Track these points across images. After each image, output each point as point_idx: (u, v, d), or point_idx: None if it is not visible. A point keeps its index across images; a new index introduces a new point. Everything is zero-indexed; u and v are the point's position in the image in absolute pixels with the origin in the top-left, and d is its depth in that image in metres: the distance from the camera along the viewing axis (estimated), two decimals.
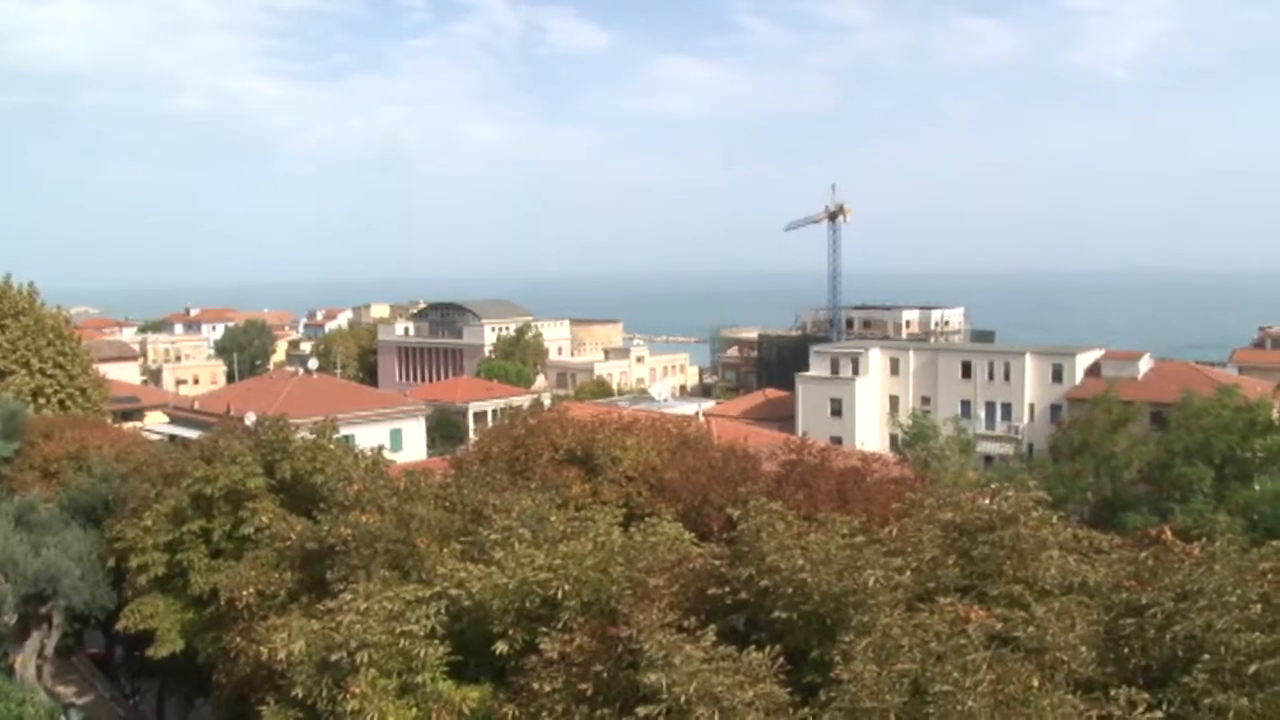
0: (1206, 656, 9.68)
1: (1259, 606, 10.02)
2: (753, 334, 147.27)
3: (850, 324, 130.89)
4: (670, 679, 9.60)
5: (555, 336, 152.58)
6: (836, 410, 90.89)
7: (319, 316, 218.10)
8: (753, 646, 10.32)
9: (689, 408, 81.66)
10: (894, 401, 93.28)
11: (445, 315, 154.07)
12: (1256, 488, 30.54)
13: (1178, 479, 32.04)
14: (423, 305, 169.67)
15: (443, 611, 13.26)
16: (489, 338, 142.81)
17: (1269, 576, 10.65)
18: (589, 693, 10.92)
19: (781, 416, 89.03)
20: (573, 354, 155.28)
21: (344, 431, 31.30)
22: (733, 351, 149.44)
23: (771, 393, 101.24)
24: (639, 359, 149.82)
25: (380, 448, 27.54)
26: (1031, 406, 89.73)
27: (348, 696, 12.30)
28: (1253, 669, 9.38)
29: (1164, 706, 9.46)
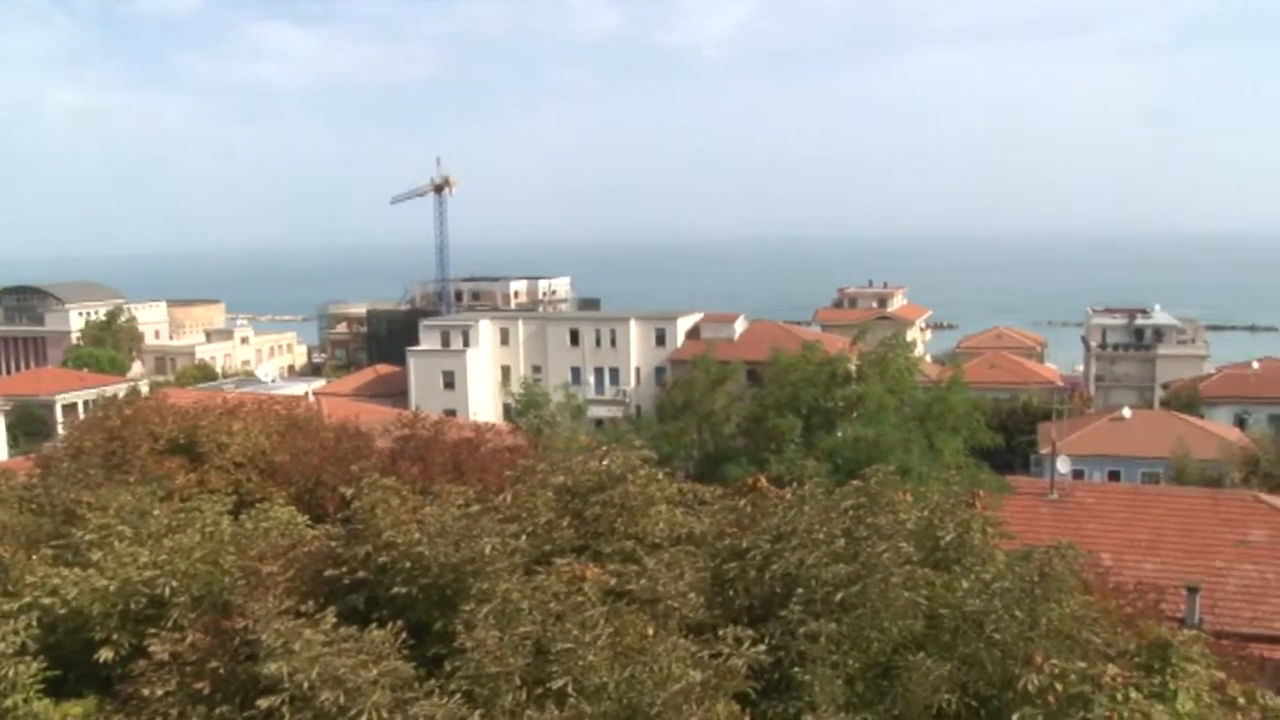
0: (800, 590, 10.48)
1: (842, 541, 10.96)
2: (362, 310, 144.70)
3: (460, 296, 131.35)
4: (291, 666, 9.34)
5: (151, 319, 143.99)
6: (449, 383, 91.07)
7: None
8: (374, 624, 10.20)
9: (298, 388, 79.49)
10: (506, 371, 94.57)
11: (23, 300, 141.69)
12: (839, 434, 33.12)
13: (771, 431, 34.22)
14: None
15: (34, 624, 12.22)
16: (76, 323, 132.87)
17: (850, 513, 11.66)
18: (206, 691, 10.44)
19: (394, 392, 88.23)
20: (172, 337, 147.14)
21: None
22: (342, 328, 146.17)
23: (383, 368, 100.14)
24: (244, 340, 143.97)
25: None
26: (638, 370, 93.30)
27: None
28: (839, 597, 10.27)
29: (766, 640, 10.15)
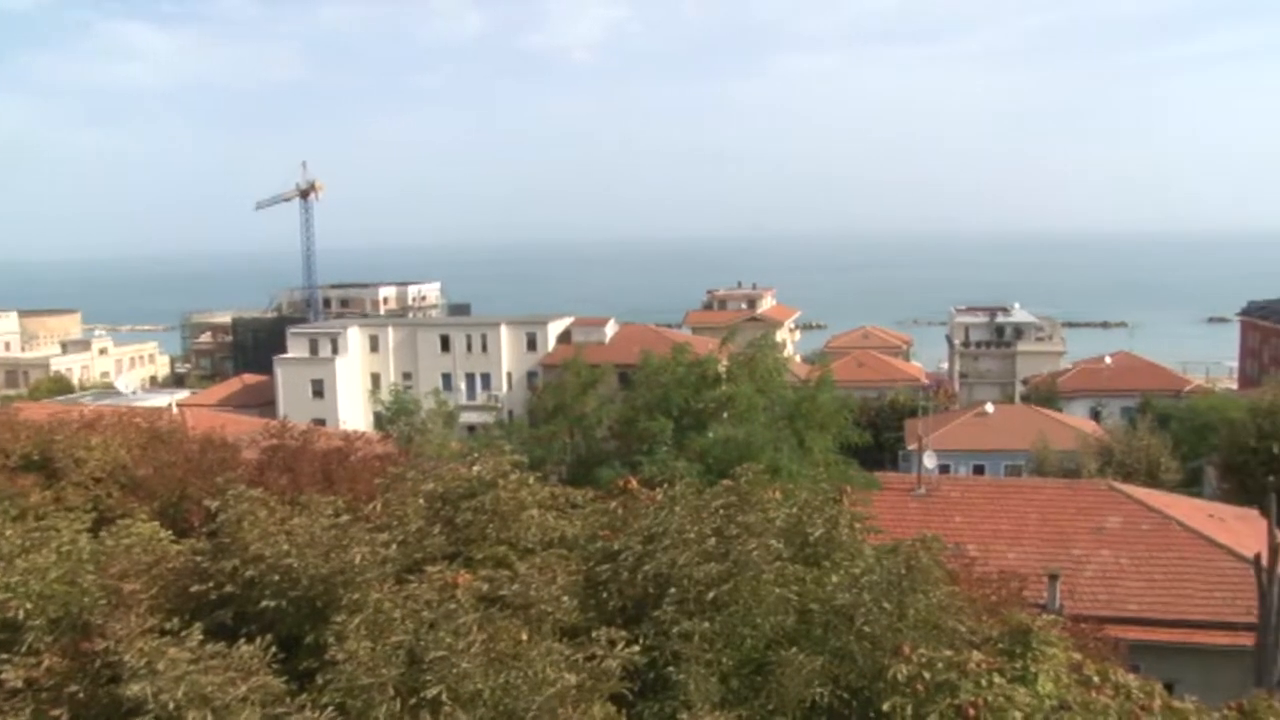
0: (673, 590, 10.57)
1: (713, 540, 11.07)
2: (227, 318, 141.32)
3: (328, 303, 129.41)
4: (155, 687, 9.08)
5: (2, 330, 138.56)
6: (318, 391, 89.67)
7: None
8: (243, 640, 9.99)
9: (161, 399, 77.16)
10: (376, 379, 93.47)
11: None
12: (710, 435, 33.37)
13: (643, 433, 34.34)
14: None
15: None
16: None
17: (720, 512, 11.79)
18: (65, 718, 10.10)
19: (262, 402, 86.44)
20: (24, 349, 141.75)
21: None
22: (206, 337, 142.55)
23: (250, 378, 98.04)
24: (102, 351, 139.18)
25: None
26: (509, 375, 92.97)
27: None
28: (711, 595, 10.39)
29: (641, 640, 10.20)
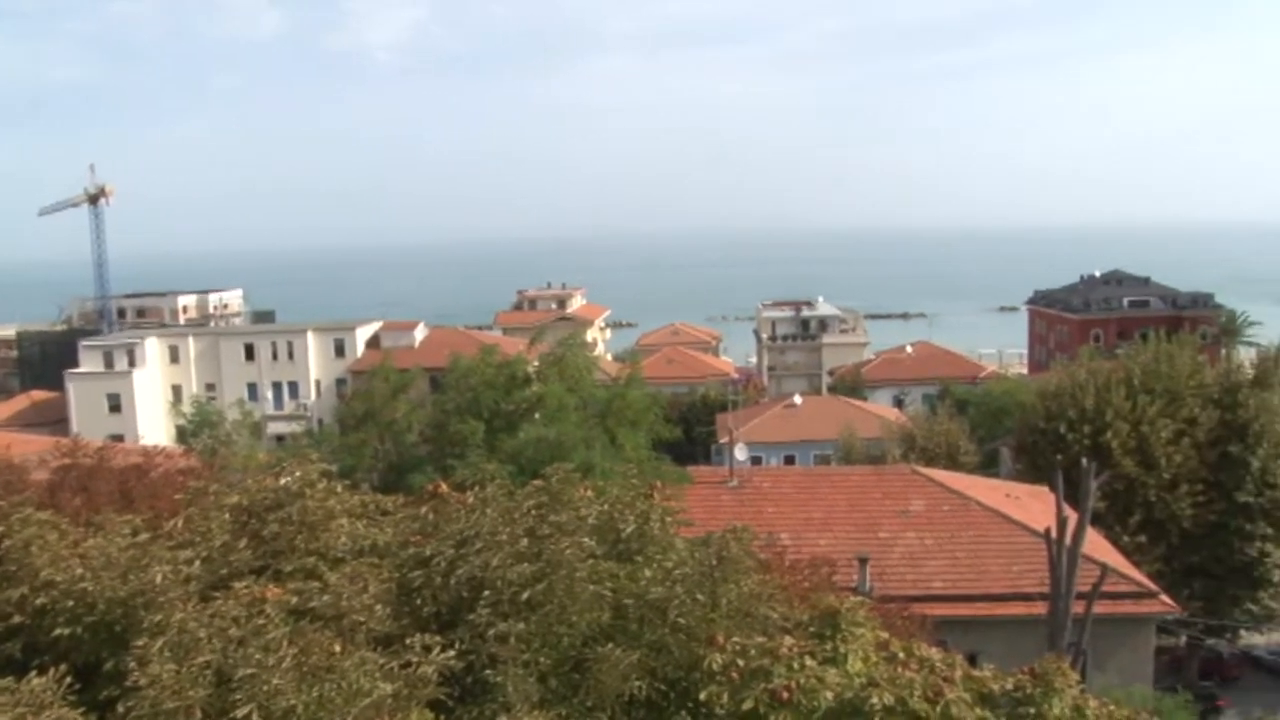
0: (487, 593, 10.50)
1: (525, 540, 11.05)
2: (10, 331, 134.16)
3: (123, 313, 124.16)
4: None
5: None
6: (115, 406, 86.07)
7: None
8: (35, 672, 9.50)
9: None
10: (177, 391, 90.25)
11: None
12: (521, 435, 33.37)
13: (454, 436, 34.17)
14: None
15: None
16: None
17: (532, 513, 11.78)
18: None
19: (53, 420, 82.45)
20: None
21: None
22: None
23: (38, 395, 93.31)
24: None
25: None
26: (318, 382, 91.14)
27: None
28: (525, 596, 10.36)
29: (456, 645, 10.11)
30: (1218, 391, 48.11)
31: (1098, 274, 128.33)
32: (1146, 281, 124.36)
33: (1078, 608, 27.09)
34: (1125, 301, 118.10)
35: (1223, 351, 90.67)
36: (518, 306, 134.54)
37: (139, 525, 12.12)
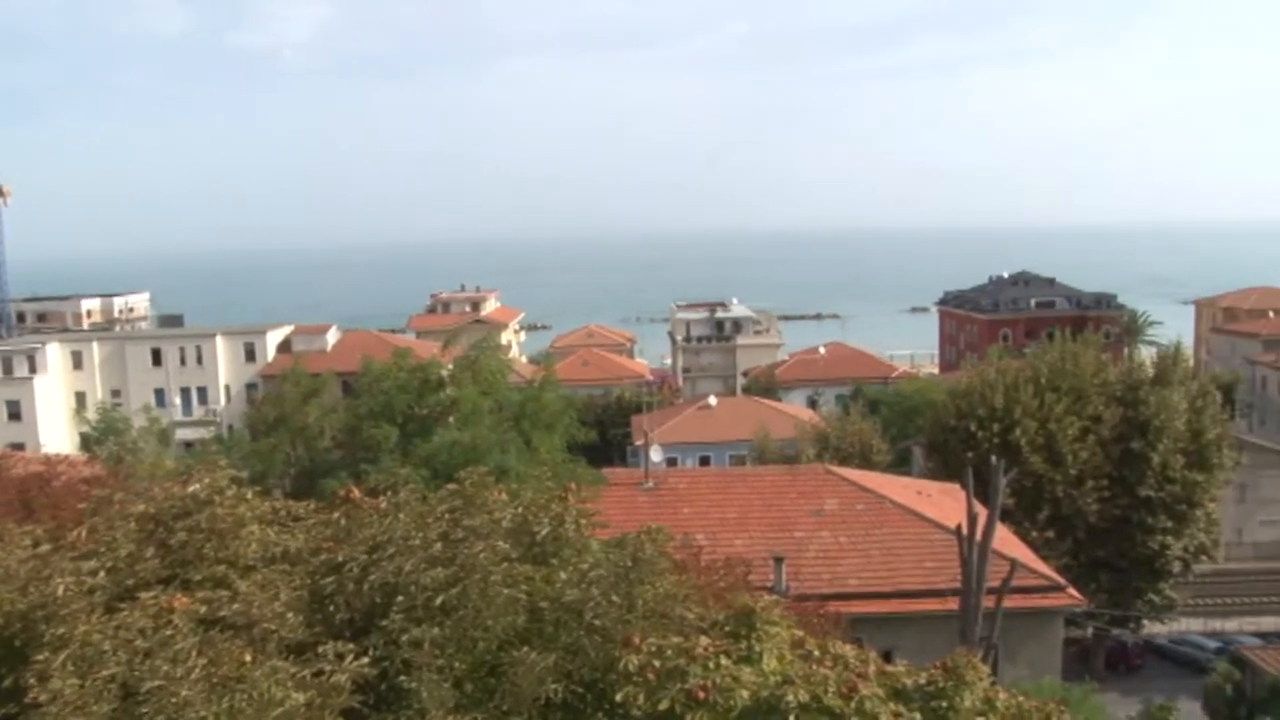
0: (401, 598, 10.39)
1: (439, 545, 10.95)
2: None
3: (22, 318, 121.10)
4: None
5: None
6: (14, 414, 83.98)
7: None
8: None
9: None
10: (81, 397, 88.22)
11: None
12: (435, 439, 33.12)
13: (367, 441, 33.83)
14: None
15: None
16: None
17: (446, 517, 11.69)
18: None
19: None
20: None
21: None
22: None
23: None
24: None
25: None
26: (228, 387, 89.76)
27: None
28: (439, 600, 10.28)
29: (370, 651, 10.01)
30: (1120, 389, 49.31)
31: (1006, 275, 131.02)
32: (1052, 282, 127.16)
33: (988, 602, 27.56)
34: (1033, 302, 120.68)
35: (1125, 350, 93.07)
36: (431, 310, 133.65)
37: (40, 536, 11.83)
